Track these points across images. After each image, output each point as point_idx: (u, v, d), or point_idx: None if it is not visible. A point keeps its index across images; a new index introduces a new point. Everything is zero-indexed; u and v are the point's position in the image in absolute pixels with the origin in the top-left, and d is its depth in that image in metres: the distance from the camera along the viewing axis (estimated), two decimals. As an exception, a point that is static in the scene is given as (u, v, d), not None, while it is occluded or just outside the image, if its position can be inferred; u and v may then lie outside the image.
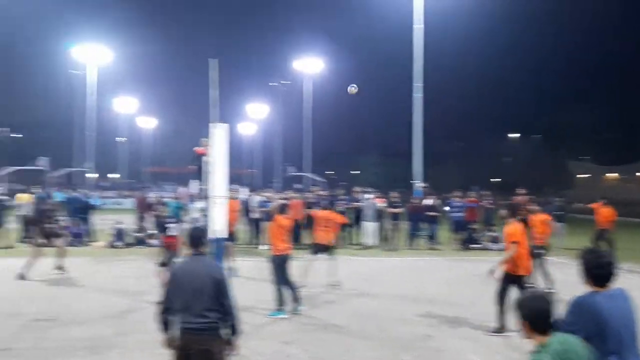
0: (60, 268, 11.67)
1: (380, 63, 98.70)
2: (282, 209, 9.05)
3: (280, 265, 8.51)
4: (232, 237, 11.84)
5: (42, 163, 43.03)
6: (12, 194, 19.83)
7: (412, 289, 10.91)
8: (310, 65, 48.76)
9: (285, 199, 16.76)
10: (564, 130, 66.20)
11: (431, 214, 17.56)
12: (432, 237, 17.54)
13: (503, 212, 8.35)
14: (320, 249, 10.61)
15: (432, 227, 17.63)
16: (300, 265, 9.91)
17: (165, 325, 4.36)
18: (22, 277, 10.85)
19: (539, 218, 10.69)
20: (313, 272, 10.28)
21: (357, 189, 19.42)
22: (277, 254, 8.57)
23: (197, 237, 4.57)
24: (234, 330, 4.38)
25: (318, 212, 11.27)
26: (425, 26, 25.68)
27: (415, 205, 17.95)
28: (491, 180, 65.72)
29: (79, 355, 6.54)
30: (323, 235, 10.57)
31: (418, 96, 25.31)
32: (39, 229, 11.77)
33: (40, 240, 11.52)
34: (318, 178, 46.88)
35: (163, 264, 9.62)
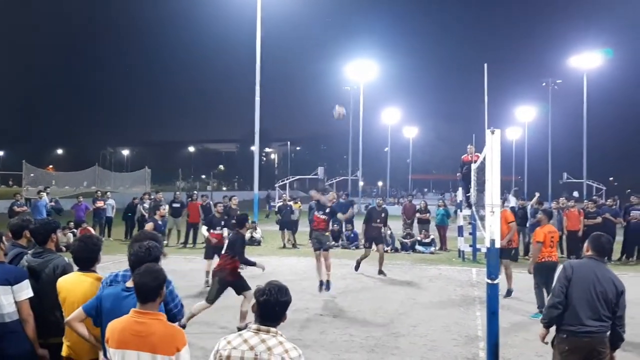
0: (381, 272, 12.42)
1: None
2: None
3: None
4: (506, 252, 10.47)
5: (319, 172, 47.39)
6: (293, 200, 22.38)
7: None
8: (587, 61, 44.09)
9: (560, 208, 15.51)
10: None
11: None
12: None
13: None
14: None
15: None
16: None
17: (552, 321, 4.60)
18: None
19: None
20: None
21: None
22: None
23: (604, 244, 4.76)
24: (619, 339, 4.54)
25: None
26: None
27: None
28: None
29: (359, 352, 6.98)
30: None
31: None
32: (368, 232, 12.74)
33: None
34: (598, 185, 42.26)
35: None
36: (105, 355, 3.29)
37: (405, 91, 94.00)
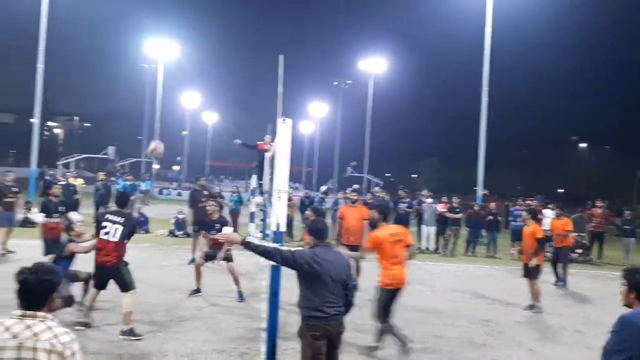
0: None
1: (445, 67, 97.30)
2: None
3: None
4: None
5: (110, 152, 44.55)
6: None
7: (464, 296, 10.65)
8: (374, 66, 48.23)
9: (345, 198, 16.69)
10: (635, 141, 62.67)
11: (491, 220, 17.17)
12: (490, 245, 17.05)
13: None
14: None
15: (492, 234, 17.14)
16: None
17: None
18: None
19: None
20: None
21: (425, 192, 18.85)
22: None
23: (321, 229, 4.89)
24: (349, 305, 4.79)
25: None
26: (494, 30, 24.97)
27: (476, 212, 17.52)
28: (557, 190, 63.48)
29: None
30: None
31: (485, 100, 24.71)
32: None
33: None
34: (377, 180, 46.58)
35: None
36: None
37: (207, 76, 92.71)
